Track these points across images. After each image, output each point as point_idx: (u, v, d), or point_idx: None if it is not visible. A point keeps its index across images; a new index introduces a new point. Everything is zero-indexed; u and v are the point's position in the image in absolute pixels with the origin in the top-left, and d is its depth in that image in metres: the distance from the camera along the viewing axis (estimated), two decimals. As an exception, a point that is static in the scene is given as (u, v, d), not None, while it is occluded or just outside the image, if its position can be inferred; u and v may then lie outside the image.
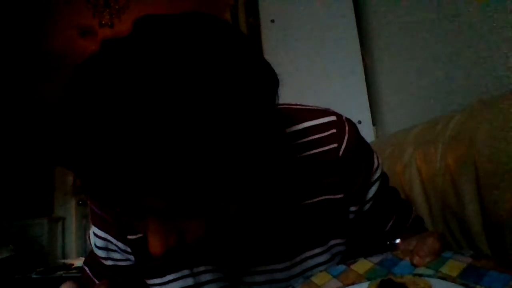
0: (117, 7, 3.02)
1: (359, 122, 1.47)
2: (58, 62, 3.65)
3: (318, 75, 1.58)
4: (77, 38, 3.42)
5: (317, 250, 0.50)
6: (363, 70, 1.58)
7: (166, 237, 0.35)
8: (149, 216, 0.34)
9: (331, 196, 0.49)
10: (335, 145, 0.48)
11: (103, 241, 0.54)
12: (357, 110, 1.51)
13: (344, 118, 0.51)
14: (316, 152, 0.48)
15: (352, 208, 0.51)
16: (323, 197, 0.49)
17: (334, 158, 0.48)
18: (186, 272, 0.51)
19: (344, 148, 0.48)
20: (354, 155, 0.49)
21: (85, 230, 3.54)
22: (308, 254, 0.50)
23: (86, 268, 0.58)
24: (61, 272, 2.33)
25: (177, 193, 0.30)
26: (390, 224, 0.56)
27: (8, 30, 3.24)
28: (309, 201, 0.49)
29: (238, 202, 0.37)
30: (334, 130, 0.49)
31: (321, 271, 0.45)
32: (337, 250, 0.51)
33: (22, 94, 3.71)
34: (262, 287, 0.50)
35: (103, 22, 3.03)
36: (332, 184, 0.49)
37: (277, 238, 0.49)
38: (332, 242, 0.50)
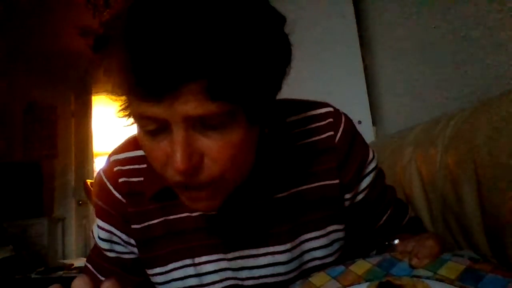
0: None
1: (359, 122, 1.47)
2: (58, 62, 3.65)
3: (318, 75, 1.58)
4: (77, 38, 3.41)
5: (314, 234, 0.52)
6: (363, 70, 1.59)
7: (190, 154, 0.36)
8: (177, 130, 0.36)
9: (328, 182, 0.52)
10: (332, 133, 0.52)
11: (107, 233, 0.55)
12: (357, 110, 1.51)
13: (340, 111, 0.55)
14: (314, 140, 0.52)
15: (347, 196, 0.53)
16: (321, 183, 0.52)
17: (331, 145, 0.51)
18: (187, 261, 0.52)
19: (340, 136, 0.52)
20: (349, 143, 0.52)
21: (85, 230, 3.54)
22: (306, 237, 0.52)
23: (89, 265, 0.59)
24: (61, 272, 2.32)
25: (215, 74, 0.33)
26: (384, 218, 0.58)
27: (8, 29, 3.23)
28: (308, 186, 0.52)
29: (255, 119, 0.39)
30: (331, 120, 0.52)
31: (319, 271, 0.46)
32: (336, 236, 0.53)
33: (22, 94, 3.71)
34: (265, 270, 0.52)
35: (103, 22, 3.03)
36: (329, 170, 0.52)
37: (277, 220, 0.51)
38: (330, 228, 0.53)
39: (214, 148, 0.37)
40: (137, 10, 0.34)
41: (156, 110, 0.35)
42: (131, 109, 0.39)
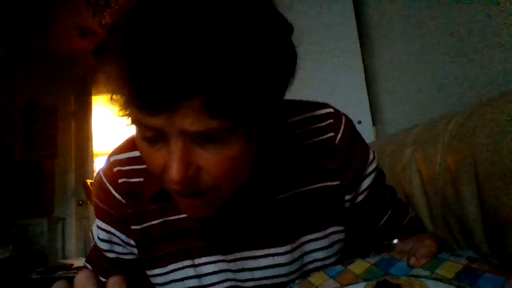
0: (117, 7, 3.02)
1: (359, 122, 1.47)
2: (58, 62, 3.65)
3: (318, 75, 1.58)
4: (77, 38, 3.42)
5: (315, 235, 0.52)
6: (363, 70, 1.59)
7: (187, 165, 0.36)
8: (175, 142, 0.36)
9: (329, 183, 0.52)
10: (332, 133, 0.52)
11: (106, 233, 0.55)
12: (357, 110, 1.51)
13: (341, 112, 0.55)
14: (315, 141, 0.52)
15: (347, 197, 0.53)
16: (321, 184, 0.52)
17: (331, 146, 0.51)
18: (187, 262, 0.52)
19: (340, 137, 0.52)
20: (349, 144, 0.52)
21: (85, 230, 3.54)
22: (306, 238, 0.52)
23: (88, 266, 0.59)
24: (61, 272, 2.32)
25: (213, 92, 0.33)
26: (384, 218, 0.57)
27: (8, 30, 3.23)
28: (308, 188, 0.52)
29: (253, 137, 0.39)
30: (332, 120, 0.52)
31: (318, 271, 0.46)
32: (337, 238, 0.53)
33: (22, 94, 3.71)
34: (265, 271, 0.52)
35: (103, 22, 3.03)
36: (330, 171, 0.52)
37: (277, 221, 0.51)
38: (331, 229, 0.52)
39: (211, 161, 0.37)
40: (138, 21, 0.33)
41: (154, 121, 0.35)
42: (130, 115, 0.38)
